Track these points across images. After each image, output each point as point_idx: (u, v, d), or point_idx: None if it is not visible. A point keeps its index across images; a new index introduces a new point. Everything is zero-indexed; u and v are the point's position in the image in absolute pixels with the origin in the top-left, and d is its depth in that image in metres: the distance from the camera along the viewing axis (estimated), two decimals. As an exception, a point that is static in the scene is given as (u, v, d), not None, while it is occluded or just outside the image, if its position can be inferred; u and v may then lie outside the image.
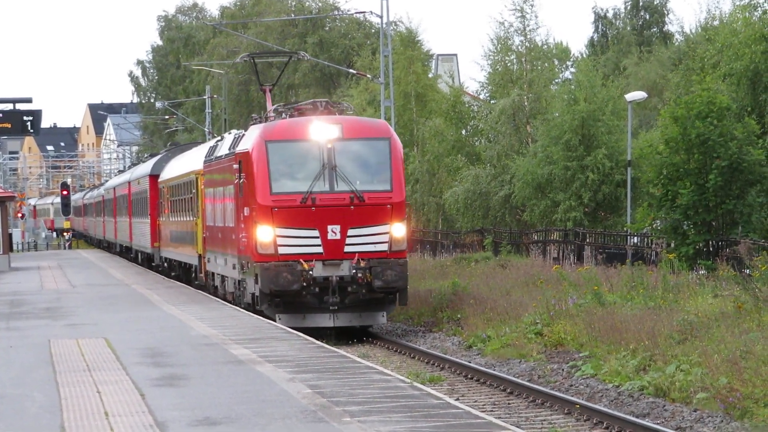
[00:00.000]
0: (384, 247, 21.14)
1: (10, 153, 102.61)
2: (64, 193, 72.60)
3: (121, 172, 70.79)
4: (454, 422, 11.38)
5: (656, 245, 30.10)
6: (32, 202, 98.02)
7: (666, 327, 18.15)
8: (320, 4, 62.58)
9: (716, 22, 44.99)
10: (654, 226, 29.05)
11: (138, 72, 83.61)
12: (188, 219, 33.37)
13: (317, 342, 19.64)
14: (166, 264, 41.01)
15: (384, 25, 41.28)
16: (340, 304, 20.91)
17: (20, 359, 18.28)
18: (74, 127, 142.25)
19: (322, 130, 21.28)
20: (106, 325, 23.54)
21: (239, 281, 23.89)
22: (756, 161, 26.16)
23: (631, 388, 15.96)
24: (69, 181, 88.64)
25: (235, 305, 24.54)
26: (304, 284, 20.56)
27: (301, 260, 20.65)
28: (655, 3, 65.09)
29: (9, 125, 32.67)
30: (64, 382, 15.12)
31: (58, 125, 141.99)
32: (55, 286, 38.20)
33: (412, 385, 14.30)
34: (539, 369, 18.53)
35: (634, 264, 27.05)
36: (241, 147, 22.74)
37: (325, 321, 21.06)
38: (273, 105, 27.12)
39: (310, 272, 20.59)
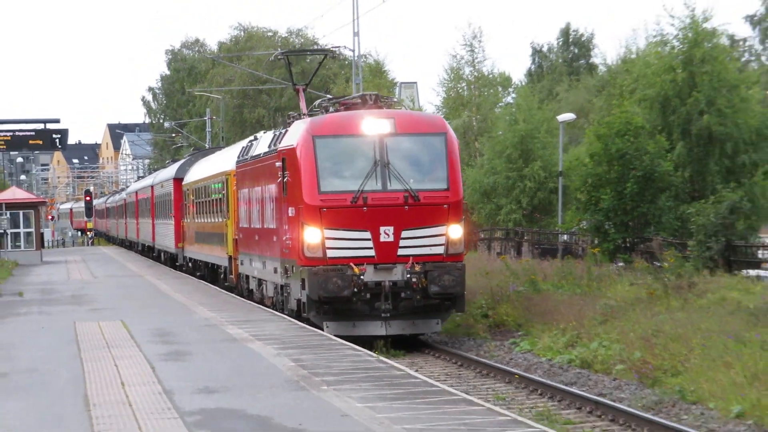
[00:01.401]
0: (440, 249, 16.63)
1: (42, 165, 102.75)
2: (87, 198, 72.50)
3: (141, 178, 68.72)
4: (413, 390, 11.29)
5: (582, 242, 30.21)
6: (69, 206, 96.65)
7: (590, 310, 18.09)
8: (302, 40, 61.76)
9: (633, 56, 44.93)
10: (581, 226, 29.17)
11: (149, 97, 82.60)
12: (217, 220, 28.17)
13: (299, 323, 18.51)
14: (190, 264, 35.27)
15: (356, 58, 40.99)
16: (393, 311, 16.51)
17: (50, 339, 17.80)
18: (96, 143, 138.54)
19: (373, 125, 16.86)
20: (122, 309, 22.61)
21: (282, 286, 19.29)
22: (665, 171, 26.08)
23: (561, 361, 15.92)
24: (91, 188, 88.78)
25: (276, 311, 20.03)
26: (355, 290, 16.16)
27: (351, 264, 16.16)
28: (583, 39, 65.07)
29: (41, 142, 34.69)
30: (87, 358, 14.79)
31: (82, 142, 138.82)
32: (80, 276, 36.58)
33: (378, 359, 14.05)
34: (485, 345, 18.34)
35: (564, 258, 27.07)
36: (285, 143, 18.22)
37: (377, 329, 16.59)
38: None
39: (362, 277, 16.13)
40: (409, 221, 16.40)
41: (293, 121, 19.22)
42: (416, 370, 14.22)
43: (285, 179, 17.59)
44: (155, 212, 42.54)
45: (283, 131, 19.31)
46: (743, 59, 44.38)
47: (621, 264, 24.49)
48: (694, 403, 12.41)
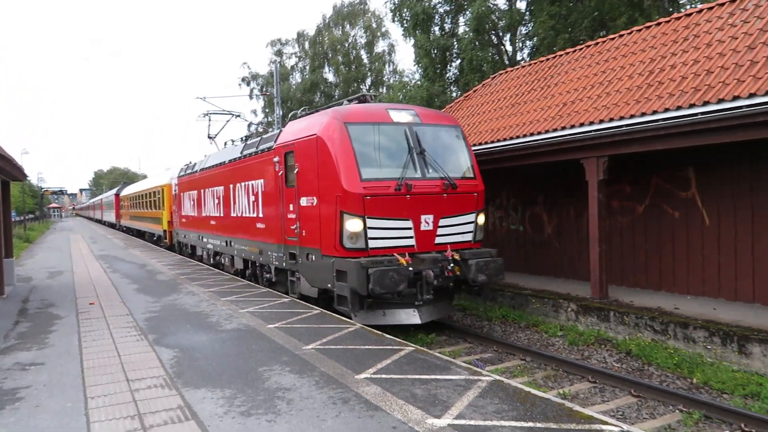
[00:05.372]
0: (469, 237, 11.62)
1: (63, 195, 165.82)
2: (73, 206, 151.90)
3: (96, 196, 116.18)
4: (198, 267, 19.05)
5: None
6: (69, 207, 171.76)
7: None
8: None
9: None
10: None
11: (103, 183, 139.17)
12: (154, 210, 29.11)
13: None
14: (124, 229, 43.24)
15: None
16: (429, 298, 11.00)
17: (62, 239, 35.33)
18: (76, 193, 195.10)
19: (399, 114, 11.95)
20: (82, 232, 42.60)
21: (281, 269, 13.45)
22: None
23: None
24: (75, 204, 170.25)
25: (251, 282, 15.11)
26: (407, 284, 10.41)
27: (396, 255, 10.71)
28: (123, 170, 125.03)
29: (62, 192, 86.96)
30: (72, 243, 29.96)
31: (72, 192, 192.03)
32: (70, 224, 64.45)
33: (189, 259, 23.41)
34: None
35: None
36: (295, 137, 12.35)
37: (410, 317, 11.04)
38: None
39: (410, 269, 10.48)
40: (446, 209, 11.48)
41: (299, 117, 13.42)
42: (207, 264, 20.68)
43: (296, 170, 12.24)
44: (103, 208, 61.54)
45: (276, 132, 13.85)
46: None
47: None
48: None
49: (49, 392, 6.52)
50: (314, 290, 11.63)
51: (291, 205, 12.33)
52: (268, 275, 13.90)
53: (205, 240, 19.50)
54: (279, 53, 52.20)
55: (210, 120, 22.67)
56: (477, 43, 28.57)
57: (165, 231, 26.83)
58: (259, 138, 14.83)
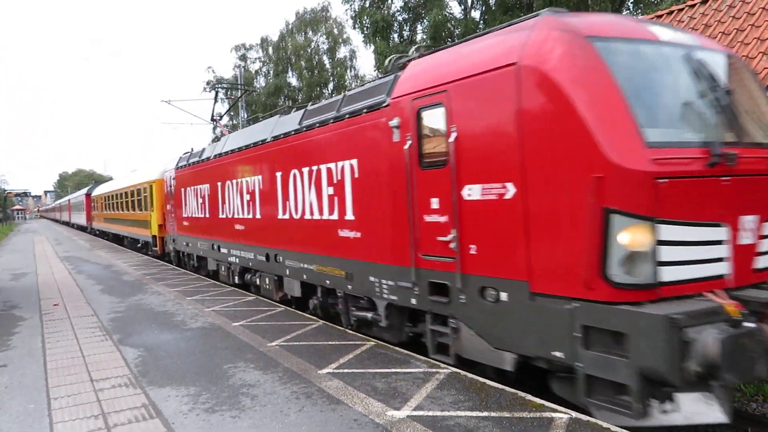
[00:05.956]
0: None
1: (29, 196, 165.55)
2: (38, 208, 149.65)
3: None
4: (164, 268, 19.44)
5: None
6: (35, 209, 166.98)
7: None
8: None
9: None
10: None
11: (68, 185, 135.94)
12: (140, 211, 23.43)
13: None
14: (97, 233, 37.38)
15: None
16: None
17: (25, 241, 33.12)
18: (40, 195, 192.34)
19: (670, 32, 5.11)
20: (47, 234, 39.09)
21: (399, 307, 7.42)
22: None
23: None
24: (39, 206, 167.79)
25: (327, 323, 9.13)
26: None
27: (712, 297, 4.35)
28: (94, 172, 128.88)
29: (26, 195, 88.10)
30: (36, 245, 29.11)
31: (35, 194, 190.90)
32: (35, 226, 60.95)
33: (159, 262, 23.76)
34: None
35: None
36: (465, 72, 5.69)
37: (707, 410, 4.33)
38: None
39: (746, 324, 4.08)
40: None
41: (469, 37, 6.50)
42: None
43: (453, 137, 6.09)
44: (71, 209, 57.56)
45: (383, 81, 7.64)
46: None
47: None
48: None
49: (10, 394, 6.31)
50: (505, 357, 5.88)
51: (435, 200, 6.54)
52: (365, 314, 8.08)
53: (224, 251, 13.42)
54: (243, 58, 51.94)
55: (217, 95, 18.43)
56: (434, 50, 28.88)
57: (155, 237, 21.19)
58: (341, 96, 8.73)
